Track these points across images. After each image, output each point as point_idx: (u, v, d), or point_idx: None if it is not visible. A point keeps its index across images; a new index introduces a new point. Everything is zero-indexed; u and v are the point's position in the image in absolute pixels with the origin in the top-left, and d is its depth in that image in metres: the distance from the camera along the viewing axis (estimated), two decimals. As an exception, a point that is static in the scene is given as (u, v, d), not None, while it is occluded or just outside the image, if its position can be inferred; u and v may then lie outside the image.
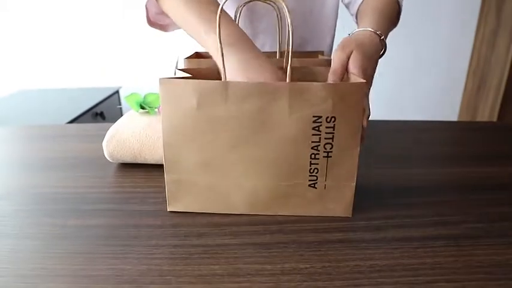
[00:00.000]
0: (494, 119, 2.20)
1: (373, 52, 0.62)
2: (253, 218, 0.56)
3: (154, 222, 0.55)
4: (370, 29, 0.65)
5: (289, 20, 0.47)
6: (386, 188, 0.65)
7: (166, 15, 0.68)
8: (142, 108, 0.79)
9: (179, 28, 0.74)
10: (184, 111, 0.51)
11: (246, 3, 0.58)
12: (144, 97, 0.79)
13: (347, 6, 0.92)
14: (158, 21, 0.80)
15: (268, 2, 0.63)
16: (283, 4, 0.48)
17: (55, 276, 0.44)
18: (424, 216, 0.56)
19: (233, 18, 0.51)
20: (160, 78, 0.50)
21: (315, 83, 0.49)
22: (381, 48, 0.65)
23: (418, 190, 0.64)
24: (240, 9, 0.67)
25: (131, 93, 0.80)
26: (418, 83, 2.51)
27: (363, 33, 0.65)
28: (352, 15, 0.90)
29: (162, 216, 0.57)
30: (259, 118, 0.51)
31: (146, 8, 0.74)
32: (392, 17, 0.77)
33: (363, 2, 0.83)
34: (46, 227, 0.54)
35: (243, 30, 0.59)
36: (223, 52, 0.51)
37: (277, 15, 0.68)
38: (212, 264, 0.46)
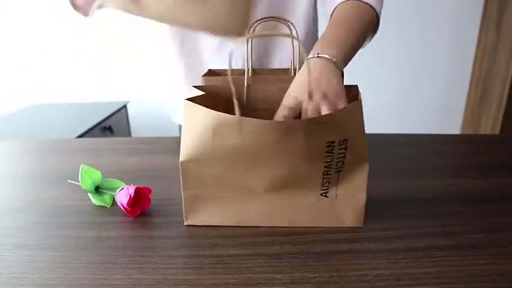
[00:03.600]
0: (497, 131, 2.22)
1: (330, 78, 0.60)
2: (263, 230, 0.58)
3: (167, 233, 0.57)
4: (325, 57, 0.63)
5: (297, 47, 0.50)
6: (390, 200, 0.66)
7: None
8: (97, 190, 0.69)
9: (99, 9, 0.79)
10: (202, 136, 0.53)
11: (264, 34, 0.60)
12: (104, 180, 0.70)
13: (325, 12, 0.88)
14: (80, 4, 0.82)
15: (284, 23, 0.65)
16: (292, 26, 0.51)
17: (73, 285, 0.46)
18: (427, 227, 0.58)
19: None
20: (185, 100, 0.53)
21: (326, 115, 0.51)
22: (336, 70, 0.62)
23: (422, 201, 0.66)
24: (254, 26, 0.69)
25: (89, 168, 0.68)
26: (420, 96, 2.53)
27: (317, 64, 0.62)
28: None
29: (174, 227, 0.59)
30: (274, 148, 0.52)
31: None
32: (362, 30, 0.73)
33: (337, 7, 0.79)
34: (61, 239, 0.57)
35: None
36: None
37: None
38: (225, 274, 0.48)
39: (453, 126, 2.62)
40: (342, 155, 0.53)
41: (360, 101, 0.52)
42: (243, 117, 0.50)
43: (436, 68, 2.47)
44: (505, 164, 0.83)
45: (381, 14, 0.79)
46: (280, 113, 0.59)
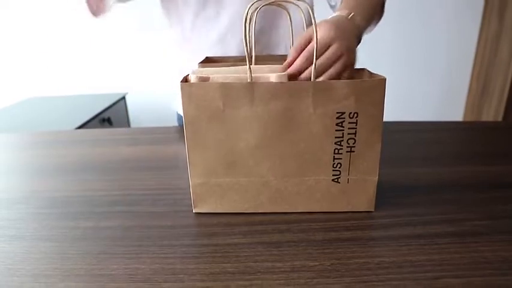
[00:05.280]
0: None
1: (345, 28, 0.60)
2: (263, 218, 0.57)
3: (165, 223, 0.56)
4: (338, 15, 0.63)
5: (314, 21, 0.48)
6: (393, 187, 0.65)
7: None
8: None
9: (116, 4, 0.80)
10: (209, 114, 0.52)
11: (270, 3, 0.58)
12: None
13: (333, 9, 0.91)
14: (96, 6, 0.81)
15: (292, 2, 0.63)
16: (308, 6, 0.49)
17: (70, 275, 0.45)
18: (430, 214, 0.57)
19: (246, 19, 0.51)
20: (181, 84, 0.51)
21: (338, 81, 0.51)
22: (354, 27, 0.63)
23: (425, 189, 0.65)
24: (256, 11, 0.67)
25: None
26: (422, 87, 2.51)
27: (327, 19, 0.63)
28: None
29: (172, 217, 0.58)
30: (285, 117, 0.52)
31: (88, 4, 0.78)
32: (373, 7, 0.75)
33: None
34: (60, 230, 0.56)
35: None
36: None
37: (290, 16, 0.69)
38: (223, 262, 0.47)
39: (454, 117, 2.60)
40: (353, 130, 0.52)
41: (383, 80, 0.51)
42: (254, 82, 0.50)
43: (437, 58, 2.45)
44: (508, 151, 0.82)
45: None
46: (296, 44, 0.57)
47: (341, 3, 0.78)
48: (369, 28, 0.78)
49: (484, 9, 2.33)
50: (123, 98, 2.23)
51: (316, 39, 0.50)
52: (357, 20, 0.64)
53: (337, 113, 0.52)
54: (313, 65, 0.51)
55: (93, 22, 2.25)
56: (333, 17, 0.63)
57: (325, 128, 0.52)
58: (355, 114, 0.52)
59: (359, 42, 0.65)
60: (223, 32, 0.94)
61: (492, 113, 2.27)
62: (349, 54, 0.57)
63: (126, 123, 2.28)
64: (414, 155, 0.81)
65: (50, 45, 2.32)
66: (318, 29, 0.54)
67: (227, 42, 0.95)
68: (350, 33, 0.61)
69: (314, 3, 0.97)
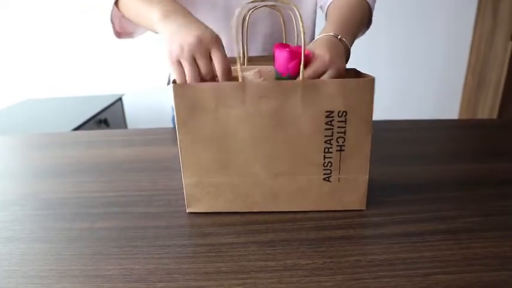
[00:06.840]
0: (495, 117, 2.21)
1: (334, 47, 0.60)
2: (257, 218, 0.57)
3: (160, 223, 0.57)
4: (330, 34, 0.63)
5: (300, 24, 0.49)
6: (386, 186, 0.66)
7: (130, 22, 0.74)
8: None
9: (143, 32, 0.82)
10: (201, 114, 0.53)
11: (257, 8, 0.58)
12: None
13: (321, 8, 0.92)
14: (124, 30, 0.83)
15: (279, 3, 0.64)
16: (295, 8, 0.49)
17: (66, 276, 0.46)
18: (423, 212, 0.57)
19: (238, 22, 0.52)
20: (173, 85, 0.52)
21: (326, 80, 0.51)
22: (342, 47, 0.63)
23: (418, 187, 0.66)
24: (250, 13, 0.68)
25: None
26: (418, 84, 2.52)
27: (321, 38, 0.63)
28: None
29: (167, 217, 0.58)
30: (276, 116, 0.53)
31: (112, 22, 0.78)
32: (360, 19, 0.76)
33: (331, 2, 0.82)
34: (55, 231, 0.56)
35: (181, 6, 0.61)
36: (162, 23, 0.55)
37: (281, 19, 0.69)
38: (217, 262, 0.47)
39: (450, 113, 2.61)
40: (342, 129, 0.53)
41: (372, 80, 0.51)
42: (245, 82, 0.51)
43: (432, 54, 2.45)
44: (502, 149, 0.83)
45: (373, 10, 0.82)
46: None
47: (328, 16, 0.80)
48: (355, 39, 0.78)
49: (479, 5, 2.34)
50: (120, 99, 2.23)
51: (304, 40, 0.50)
52: (346, 40, 0.64)
53: (326, 111, 0.52)
54: (301, 65, 0.51)
55: (91, 23, 2.25)
56: (325, 39, 0.62)
57: (314, 127, 0.53)
58: (344, 113, 0.52)
59: (347, 60, 0.66)
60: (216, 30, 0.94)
61: (488, 108, 2.28)
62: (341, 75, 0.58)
63: (123, 124, 2.28)
64: (409, 153, 0.81)
65: (46, 47, 2.32)
66: (316, 52, 0.55)
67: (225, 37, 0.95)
68: (342, 57, 0.61)
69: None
